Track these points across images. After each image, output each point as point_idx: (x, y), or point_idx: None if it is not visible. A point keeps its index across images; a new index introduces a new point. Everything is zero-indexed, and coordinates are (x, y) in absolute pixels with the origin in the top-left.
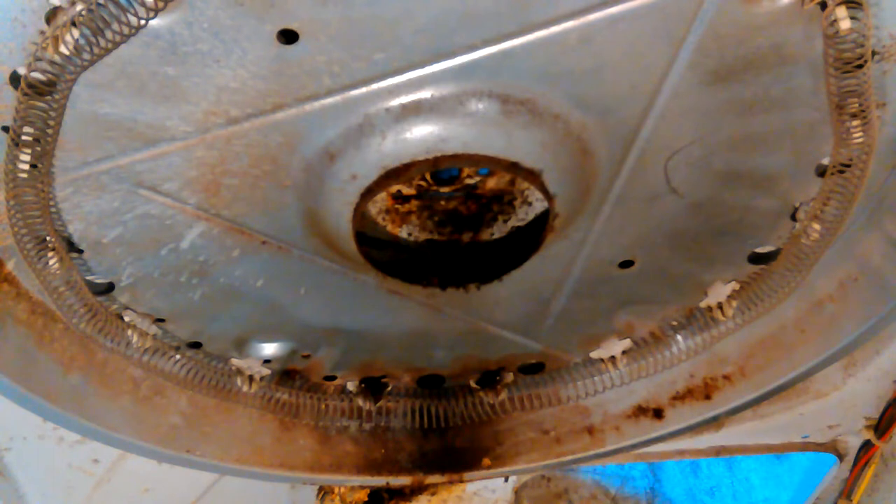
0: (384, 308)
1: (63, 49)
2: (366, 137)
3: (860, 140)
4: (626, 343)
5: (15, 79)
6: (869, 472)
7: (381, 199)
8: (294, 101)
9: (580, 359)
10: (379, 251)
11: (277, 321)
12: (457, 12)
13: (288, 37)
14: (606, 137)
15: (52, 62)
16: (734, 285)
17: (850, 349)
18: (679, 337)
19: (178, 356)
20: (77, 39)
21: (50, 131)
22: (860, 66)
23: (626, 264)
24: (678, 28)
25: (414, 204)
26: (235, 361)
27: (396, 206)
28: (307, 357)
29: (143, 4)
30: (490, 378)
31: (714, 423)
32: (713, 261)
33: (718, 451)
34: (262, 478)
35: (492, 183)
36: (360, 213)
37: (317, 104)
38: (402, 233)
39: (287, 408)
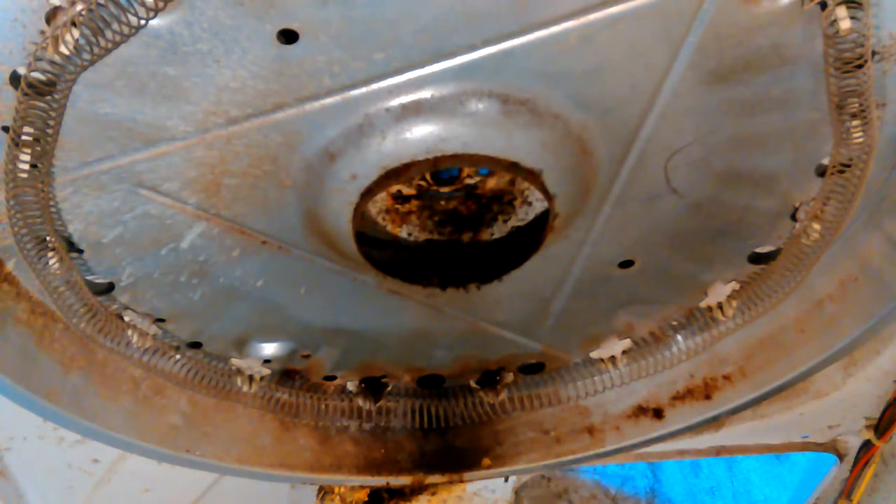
0: (384, 308)
1: (63, 49)
2: (366, 137)
3: (860, 140)
4: (626, 343)
5: (15, 79)
6: (869, 472)
7: (381, 199)
8: (294, 101)
9: (580, 359)
10: (379, 251)
11: (277, 321)
12: (457, 12)
13: (288, 37)
14: (606, 137)
15: (52, 62)
16: (734, 285)
17: (850, 349)
18: (679, 337)
19: (178, 356)
20: (77, 39)
21: (50, 131)
22: (860, 66)
23: (626, 264)
24: (678, 28)
25: (414, 204)
26: (235, 361)
27: (396, 206)
28: (307, 357)
29: (143, 4)
30: (490, 378)
31: (714, 423)
32: (713, 261)
33: (718, 451)
34: (262, 478)
35: (492, 183)
36: (360, 213)
37: (317, 104)
38: (402, 233)
39: (287, 408)
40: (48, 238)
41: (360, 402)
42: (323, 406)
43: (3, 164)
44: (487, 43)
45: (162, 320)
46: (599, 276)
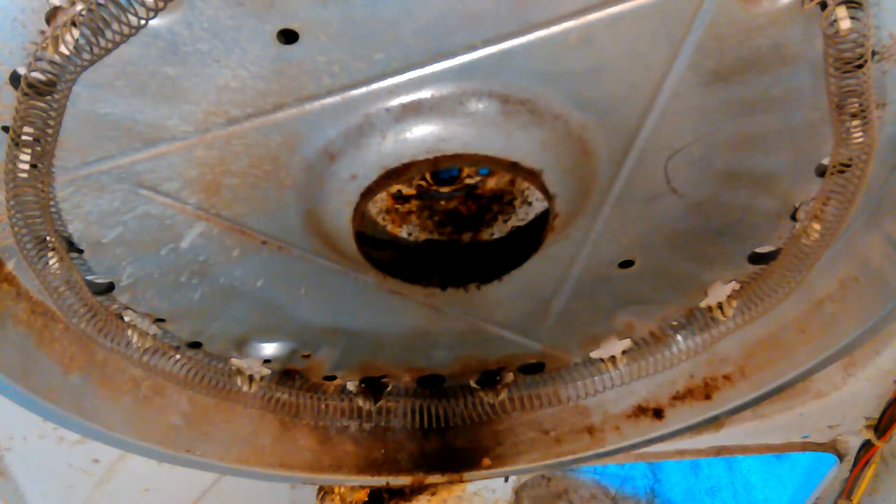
0: (384, 308)
1: (63, 49)
2: (366, 137)
3: (860, 140)
4: (626, 343)
5: (15, 79)
6: (869, 472)
7: (381, 199)
8: (294, 101)
9: (580, 359)
10: (379, 251)
11: (277, 321)
12: (457, 12)
13: (288, 37)
14: (606, 137)
15: (52, 62)
16: (734, 285)
17: (850, 349)
18: (679, 337)
19: (178, 356)
20: (77, 39)
21: (50, 131)
22: (860, 66)
23: (626, 264)
24: (678, 28)
25: (414, 204)
26: (235, 361)
27: (396, 206)
28: (307, 357)
29: (143, 4)
30: (490, 378)
31: (714, 423)
32: (713, 261)
33: (718, 451)
34: (262, 478)
35: (492, 183)
36: (360, 213)
37: (317, 104)
38: (402, 233)
39: (287, 408)
40: (48, 238)
41: (360, 402)
42: (323, 406)
43: (3, 164)
44: (487, 43)
45: (162, 320)
46: (599, 276)
